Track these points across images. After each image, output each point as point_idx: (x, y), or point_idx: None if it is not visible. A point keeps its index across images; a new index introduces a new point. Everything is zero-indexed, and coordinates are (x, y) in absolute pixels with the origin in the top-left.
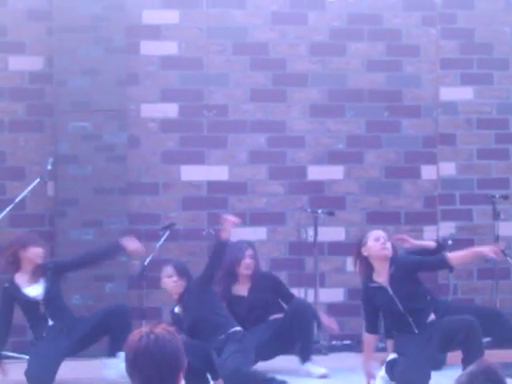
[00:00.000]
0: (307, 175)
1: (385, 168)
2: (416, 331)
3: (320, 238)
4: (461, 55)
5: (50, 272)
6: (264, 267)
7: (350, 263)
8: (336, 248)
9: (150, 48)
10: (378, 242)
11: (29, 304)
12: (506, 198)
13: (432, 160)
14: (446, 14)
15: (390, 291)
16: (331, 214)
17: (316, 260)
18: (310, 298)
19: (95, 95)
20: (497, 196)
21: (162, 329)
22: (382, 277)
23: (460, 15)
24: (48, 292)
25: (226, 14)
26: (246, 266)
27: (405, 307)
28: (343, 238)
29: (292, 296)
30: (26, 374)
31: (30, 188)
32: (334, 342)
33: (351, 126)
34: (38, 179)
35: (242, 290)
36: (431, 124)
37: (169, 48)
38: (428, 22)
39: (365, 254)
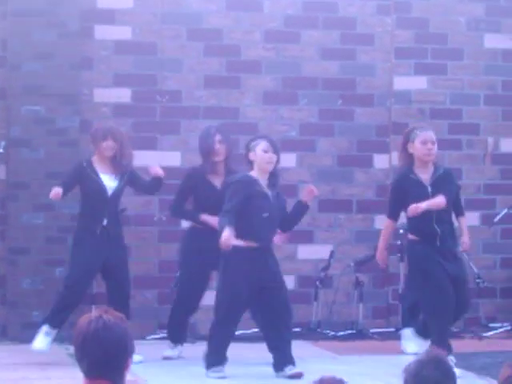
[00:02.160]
0: None
1: (337, 156)
2: (438, 244)
3: None
4: (415, 44)
5: (127, 176)
6: None
7: (301, 251)
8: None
9: (104, 32)
10: (424, 146)
11: (99, 191)
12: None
13: (384, 149)
14: (401, 3)
15: (429, 190)
16: None
17: None
18: None
19: (49, 79)
20: None
21: (111, 314)
22: (424, 174)
23: (415, 4)
24: (117, 191)
25: None
26: (216, 152)
27: (436, 212)
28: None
29: None
30: (67, 278)
31: None
32: None
33: (304, 113)
34: None
35: (216, 179)
36: (384, 113)
37: (123, 33)
38: (383, 11)
39: (410, 150)
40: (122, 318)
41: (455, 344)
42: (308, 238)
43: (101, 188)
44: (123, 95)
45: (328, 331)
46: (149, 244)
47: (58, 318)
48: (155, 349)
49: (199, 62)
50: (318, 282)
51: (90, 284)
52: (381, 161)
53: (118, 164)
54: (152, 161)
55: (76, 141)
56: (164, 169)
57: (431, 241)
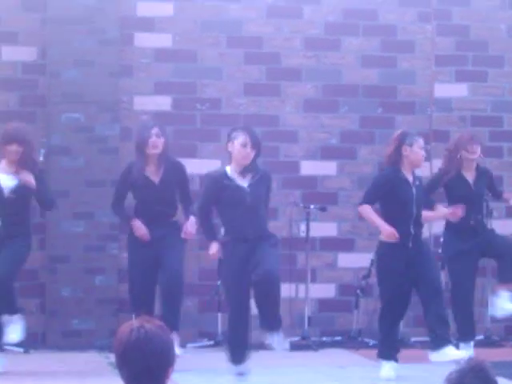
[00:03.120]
0: (300, 170)
1: (378, 164)
2: (410, 245)
3: (312, 234)
4: (456, 52)
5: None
6: None
7: (341, 259)
8: (328, 243)
9: (144, 40)
10: (421, 152)
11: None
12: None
13: (426, 157)
14: (442, 10)
15: (414, 192)
16: (323, 209)
17: (307, 255)
18: (301, 294)
19: (88, 87)
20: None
21: (153, 324)
22: (409, 177)
23: (455, 12)
24: (15, 191)
25: (220, 6)
26: (152, 144)
27: (416, 214)
28: (335, 234)
29: (191, 201)
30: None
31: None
32: (324, 339)
33: (345, 121)
34: None
35: (153, 174)
36: (425, 121)
37: (163, 40)
38: (423, 18)
39: (405, 153)
40: (163, 327)
41: (495, 352)
42: (349, 246)
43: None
44: (163, 103)
45: (369, 340)
46: (189, 252)
47: None
48: (196, 357)
49: (239, 70)
50: (358, 291)
51: None
52: (422, 168)
53: (23, 165)
54: (192, 168)
55: (116, 149)
56: (203, 177)
57: (404, 242)
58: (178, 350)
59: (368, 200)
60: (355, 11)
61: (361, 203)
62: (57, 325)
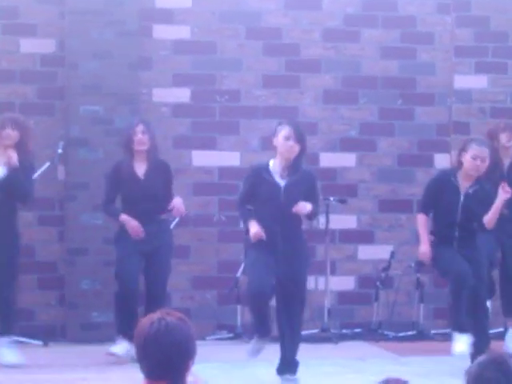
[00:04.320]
0: (319, 162)
1: (397, 156)
2: (455, 247)
3: (331, 226)
4: (475, 43)
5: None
6: None
7: (361, 251)
8: (347, 236)
9: (163, 32)
10: (474, 161)
11: None
12: None
13: (445, 148)
14: (461, 1)
15: (462, 199)
16: (343, 201)
17: (327, 248)
18: (321, 286)
19: (107, 79)
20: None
21: (174, 316)
22: (464, 183)
23: (475, 3)
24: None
25: None
26: (138, 141)
27: (462, 219)
28: (355, 226)
29: (171, 197)
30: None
31: (40, 172)
32: (344, 331)
33: (364, 113)
34: (49, 163)
35: (139, 169)
36: (445, 112)
37: (181, 32)
38: (443, 10)
39: (461, 159)
40: (184, 319)
41: None
42: (368, 238)
43: None
44: (182, 95)
45: (389, 332)
46: (208, 244)
47: None
48: (215, 349)
49: (258, 61)
50: (378, 283)
51: None
52: (441, 160)
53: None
54: (211, 161)
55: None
56: (223, 169)
57: (450, 242)
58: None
59: (422, 208)
60: (374, 3)
61: (418, 211)
62: (76, 317)
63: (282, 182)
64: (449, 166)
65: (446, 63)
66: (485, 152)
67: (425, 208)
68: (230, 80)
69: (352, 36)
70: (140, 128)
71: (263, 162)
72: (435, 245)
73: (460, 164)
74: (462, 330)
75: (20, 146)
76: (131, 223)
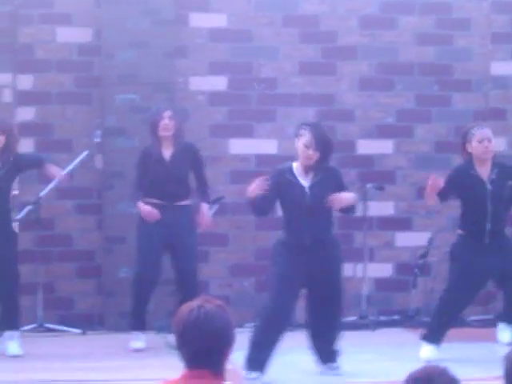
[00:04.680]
0: (356, 149)
1: (435, 142)
2: (487, 241)
3: (369, 213)
4: None
5: (11, 163)
6: None
7: (399, 238)
8: (385, 223)
9: (199, 20)
10: (481, 144)
11: None
12: None
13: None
14: None
15: (489, 187)
16: (381, 188)
17: (365, 235)
18: (359, 273)
19: (143, 68)
20: None
21: (213, 303)
22: (483, 172)
23: None
24: None
25: None
26: (164, 126)
27: (493, 208)
28: (392, 213)
29: (205, 182)
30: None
31: (77, 161)
32: (382, 318)
33: (401, 99)
34: (87, 152)
35: (165, 152)
36: (481, 98)
37: (218, 20)
38: None
39: (469, 150)
40: (223, 307)
41: None
42: (406, 225)
43: None
44: (219, 83)
45: (426, 319)
46: (245, 232)
47: None
48: None
49: (295, 49)
50: (416, 270)
51: None
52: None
53: (3, 155)
54: (248, 149)
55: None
56: (260, 156)
57: (480, 237)
58: None
59: (439, 195)
60: None
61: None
62: (114, 306)
63: (306, 183)
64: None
65: (483, 49)
66: (488, 132)
67: (441, 196)
68: (267, 68)
69: (388, 23)
70: (167, 114)
71: (286, 164)
72: (463, 240)
73: (469, 155)
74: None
75: (5, 151)
76: (144, 208)
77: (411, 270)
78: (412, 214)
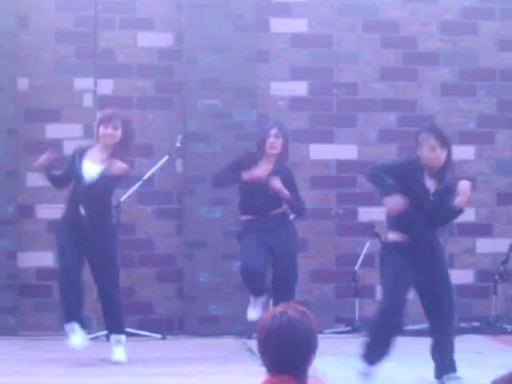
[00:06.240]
0: None
1: None
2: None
3: None
4: None
5: None
6: None
7: (479, 244)
8: (466, 229)
9: (280, 25)
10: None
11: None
12: None
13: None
14: None
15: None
16: None
17: (446, 241)
18: None
19: (225, 72)
20: None
21: (296, 309)
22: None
23: None
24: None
25: None
26: (270, 145)
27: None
28: (473, 219)
29: (300, 199)
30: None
31: (158, 165)
32: (462, 324)
33: (482, 105)
34: (167, 156)
35: (264, 168)
36: None
37: (299, 25)
38: None
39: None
40: (306, 313)
41: None
42: (487, 231)
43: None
44: (299, 88)
45: (507, 326)
46: (326, 238)
47: None
48: (333, 343)
49: (375, 54)
50: (496, 276)
51: None
52: None
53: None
54: (329, 154)
55: (253, 134)
56: (341, 162)
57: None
58: None
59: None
60: None
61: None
62: (194, 310)
63: (431, 188)
64: None
65: None
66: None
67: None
68: (348, 73)
69: (469, 28)
70: (274, 131)
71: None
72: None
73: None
74: None
75: (121, 146)
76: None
77: (492, 276)
78: (493, 220)
